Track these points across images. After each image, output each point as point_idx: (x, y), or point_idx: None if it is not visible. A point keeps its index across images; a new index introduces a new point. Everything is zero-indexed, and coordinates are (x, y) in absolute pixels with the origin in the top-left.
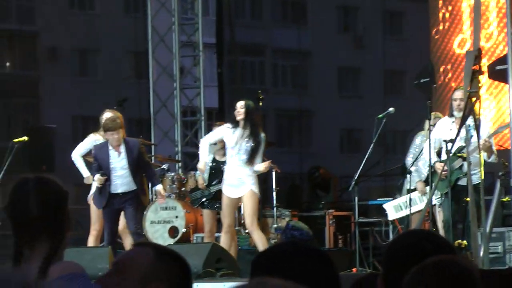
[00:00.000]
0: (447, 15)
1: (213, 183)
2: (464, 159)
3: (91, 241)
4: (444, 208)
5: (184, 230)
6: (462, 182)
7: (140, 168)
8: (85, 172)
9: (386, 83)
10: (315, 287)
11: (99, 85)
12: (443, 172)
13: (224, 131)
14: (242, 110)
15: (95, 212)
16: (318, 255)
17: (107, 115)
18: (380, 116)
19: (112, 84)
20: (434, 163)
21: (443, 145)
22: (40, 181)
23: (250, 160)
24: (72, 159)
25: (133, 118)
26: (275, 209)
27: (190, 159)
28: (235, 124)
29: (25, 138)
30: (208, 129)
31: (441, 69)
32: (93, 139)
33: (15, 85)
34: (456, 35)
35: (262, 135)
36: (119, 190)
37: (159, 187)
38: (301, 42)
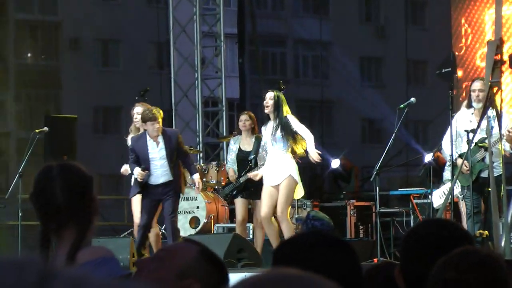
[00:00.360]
0: (469, 30)
1: (242, 173)
2: (486, 149)
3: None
4: (466, 200)
5: (205, 220)
6: (485, 174)
7: (178, 157)
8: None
9: (409, 73)
10: (337, 277)
11: (121, 76)
12: (465, 168)
13: (263, 132)
14: (271, 102)
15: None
16: (340, 245)
17: (137, 109)
18: (401, 106)
19: (134, 75)
20: (455, 159)
21: (464, 136)
22: (64, 168)
23: (287, 147)
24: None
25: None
26: (296, 199)
27: (211, 150)
28: (267, 117)
29: (46, 128)
30: (230, 120)
31: (463, 86)
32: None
33: (37, 75)
34: (478, 50)
35: (290, 117)
36: (161, 181)
37: (196, 176)
38: (322, 32)
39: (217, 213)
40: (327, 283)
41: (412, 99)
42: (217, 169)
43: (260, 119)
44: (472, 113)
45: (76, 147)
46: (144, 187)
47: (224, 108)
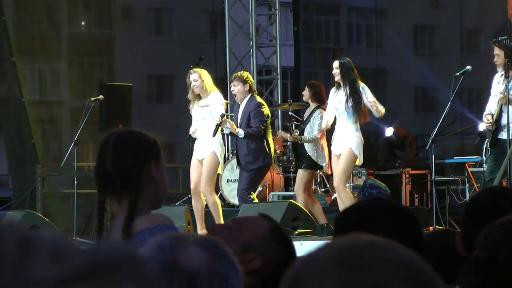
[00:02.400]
0: None
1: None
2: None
3: None
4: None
5: (260, 189)
6: (501, 135)
7: None
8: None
9: (462, 41)
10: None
11: (173, 45)
12: (486, 121)
13: (330, 98)
14: (338, 71)
15: None
16: (402, 212)
17: (193, 76)
18: (457, 74)
19: (187, 43)
20: (484, 116)
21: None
22: (120, 137)
23: (356, 116)
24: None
25: None
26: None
27: None
28: (338, 85)
29: (102, 96)
30: (283, 88)
31: None
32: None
33: (90, 44)
34: None
35: (361, 85)
36: None
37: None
38: (375, 0)
39: (272, 181)
40: (412, 253)
41: (468, 67)
42: (272, 137)
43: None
44: (502, 75)
45: (131, 115)
46: None
47: (279, 77)
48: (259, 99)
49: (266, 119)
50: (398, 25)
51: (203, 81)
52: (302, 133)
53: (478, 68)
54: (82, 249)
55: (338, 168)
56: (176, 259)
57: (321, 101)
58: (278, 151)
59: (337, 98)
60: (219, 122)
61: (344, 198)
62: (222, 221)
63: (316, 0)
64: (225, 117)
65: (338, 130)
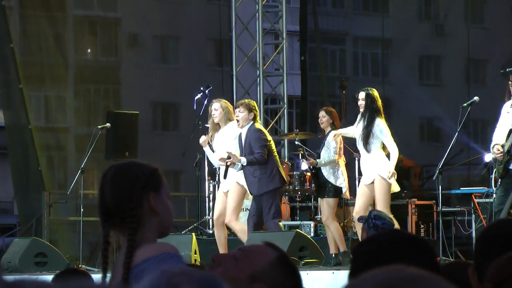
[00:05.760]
0: None
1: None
2: None
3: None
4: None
5: None
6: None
7: None
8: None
9: (468, 72)
10: None
11: (179, 72)
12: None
13: (352, 128)
14: (363, 103)
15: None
16: (419, 243)
17: (215, 105)
18: (464, 104)
19: (193, 71)
20: (492, 147)
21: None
22: (118, 169)
23: (365, 147)
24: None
25: None
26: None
27: None
28: (361, 115)
29: (109, 124)
30: (289, 117)
31: None
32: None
33: (96, 71)
34: None
35: (378, 120)
36: None
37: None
38: (381, 30)
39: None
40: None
41: (476, 98)
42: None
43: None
44: (511, 105)
45: (137, 143)
46: None
47: (285, 106)
48: (258, 125)
49: (267, 143)
50: (403, 55)
51: (223, 110)
52: (318, 157)
53: (484, 98)
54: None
55: (376, 197)
56: None
57: (337, 127)
58: None
59: (358, 129)
60: (227, 164)
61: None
62: None
63: (321, 29)
64: (231, 157)
65: (363, 160)
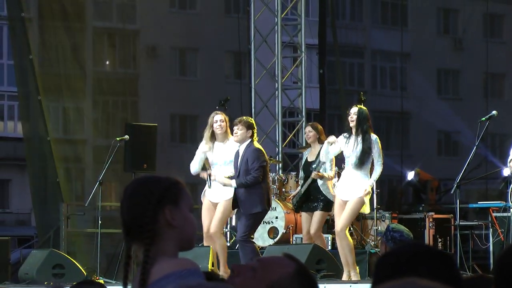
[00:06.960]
0: None
1: (302, 184)
2: None
3: None
4: None
5: (284, 231)
6: None
7: None
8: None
9: (486, 85)
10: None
11: (198, 84)
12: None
13: (340, 142)
14: (355, 117)
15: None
16: (441, 256)
17: (218, 117)
18: (483, 119)
19: (211, 84)
20: (510, 161)
21: None
22: (134, 185)
23: (360, 164)
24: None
25: (234, 118)
26: (375, 211)
27: (291, 160)
28: (350, 132)
29: (127, 136)
30: None
31: None
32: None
33: (115, 83)
34: None
35: (374, 137)
36: None
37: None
38: (400, 44)
39: (295, 223)
40: None
41: (494, 112)
42: (297, 179)
43: (338, 129)
44: None
45: (155, 155)
46: None
47: (304, 119)
48: (256, 144)
49: (265, 165)
50: (422, 68)
51: (226, 124)
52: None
53: (502, 112)
54: None
55: (344, 214)
56: None
57: (323, 142)
58: None
59: (349, 146)
60: (211, 177)
61: (345, 244)
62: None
63: (340, 42)
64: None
65: (345, 176)
